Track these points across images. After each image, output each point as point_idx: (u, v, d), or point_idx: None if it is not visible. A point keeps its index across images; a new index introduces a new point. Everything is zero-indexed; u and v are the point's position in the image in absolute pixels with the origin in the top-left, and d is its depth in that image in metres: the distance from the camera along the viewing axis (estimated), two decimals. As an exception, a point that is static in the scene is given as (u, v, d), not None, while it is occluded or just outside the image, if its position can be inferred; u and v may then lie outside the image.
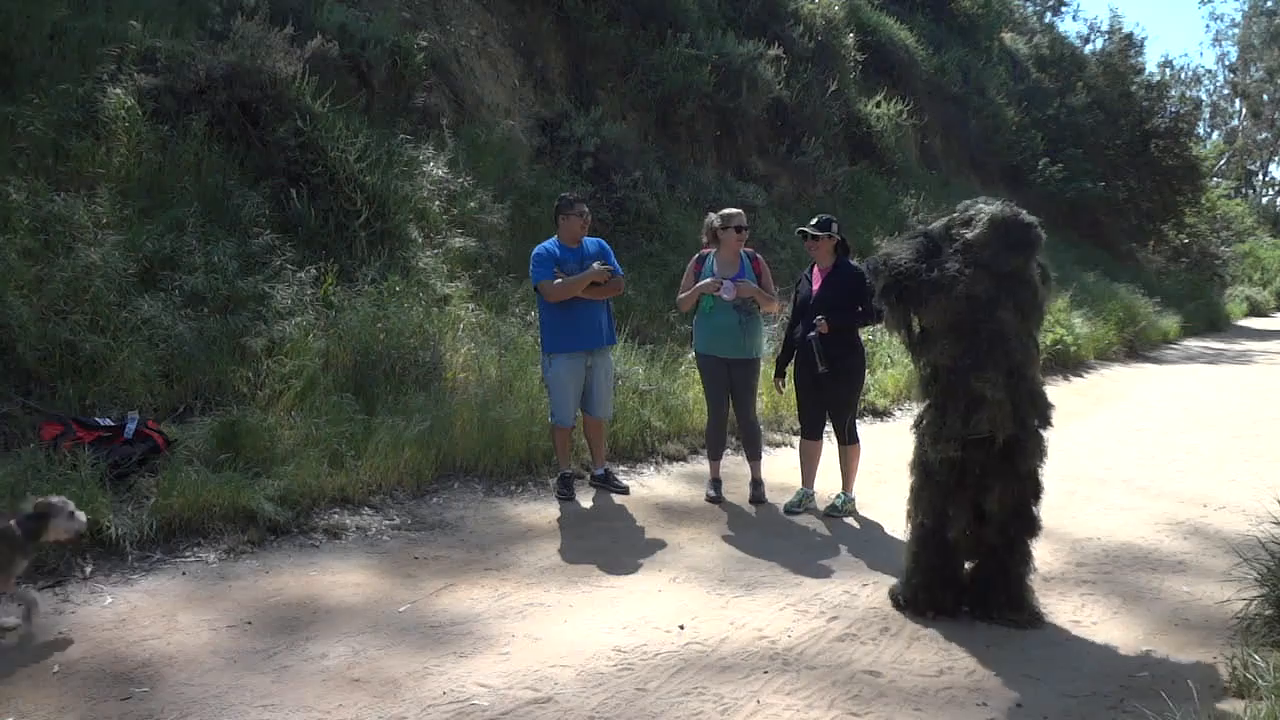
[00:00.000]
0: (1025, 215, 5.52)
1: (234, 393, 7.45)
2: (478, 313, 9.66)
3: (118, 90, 8.57)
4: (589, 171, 13.26)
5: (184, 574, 5.83)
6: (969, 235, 5.48)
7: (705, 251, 8.06)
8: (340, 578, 5.98)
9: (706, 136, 16.57)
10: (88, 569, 5.66)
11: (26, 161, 7.76)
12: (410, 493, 7.44)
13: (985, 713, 4.62)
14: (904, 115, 21.28)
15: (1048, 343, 16.58)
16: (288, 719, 4.35)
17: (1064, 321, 17.78)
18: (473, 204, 11.01)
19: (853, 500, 7.93)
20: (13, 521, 4.98)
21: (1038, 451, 5.58)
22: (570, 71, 14.92)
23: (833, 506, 7.85)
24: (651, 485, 8.50)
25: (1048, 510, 7.70)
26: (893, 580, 6.05)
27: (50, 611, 5.21)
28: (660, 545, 6.94)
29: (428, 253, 10.02)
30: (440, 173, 10.87)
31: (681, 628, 5.46)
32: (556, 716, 4.46)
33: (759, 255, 8.13)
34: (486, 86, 13.29)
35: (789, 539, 7.21)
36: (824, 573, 6.48)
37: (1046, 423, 5.59)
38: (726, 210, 8.08)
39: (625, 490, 8.15)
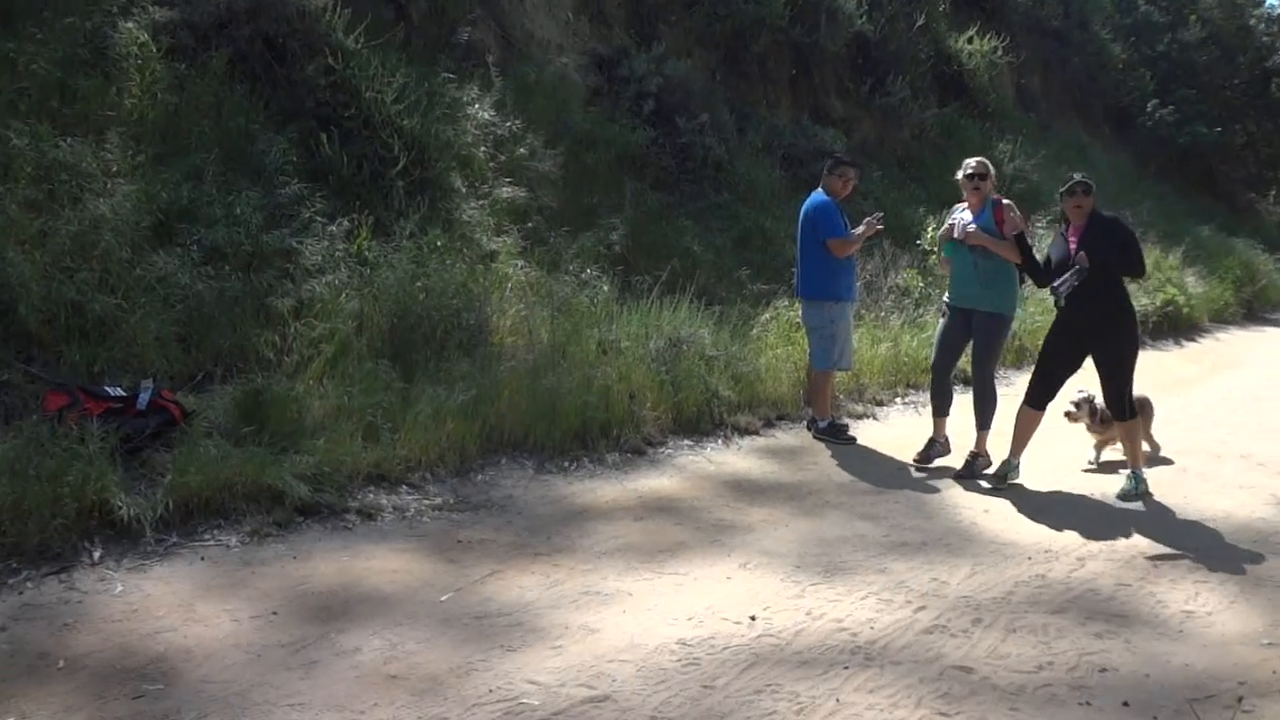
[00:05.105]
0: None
1: (258, 359, 7.48)
2: (527, 270, 9.67)
3: (129, 24, 8.58)
4: (650, 114, 13.27)
5: (202, 559, 5.80)
6: None
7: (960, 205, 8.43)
8: (375, 563, 5.96)
9: (780, 76, 16.68)
10: (96, 553, 5.62)
11: (29, 103, 7.77)
12: (453, 469, 7.42)
13: (1088, 713, 4.60)
14: (999, 52, 21.27)
15: (1157, 304, 16.60)
16: (317, 719, 4.31)
17: (1175, 280, 17.85)
18: (522, 150, 11.03)
19: (1145, 481, 7.86)
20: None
21: None
22: (630, 3, 14.90)
23: (1124, 491, 7.79)
24: (720, 461, 8.45)
25: (1156, 489, 7.65)
26: (990, 569, 6.01)
27: (55, 600, 5.20)
28: (730, 527, 6.89)
29: (472, 204, 10.04)
30: (486, 115, 10.90)
31: (753, 619, 5.42)
32: (614, 716, 4.42)
33: (1003, 201, 8.21)
34: (537, 20, 13.32)
35: (874, 520, 7.15)
36: (911, 557, 6.43)
37: None
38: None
39: (853, 441, 9.03)
